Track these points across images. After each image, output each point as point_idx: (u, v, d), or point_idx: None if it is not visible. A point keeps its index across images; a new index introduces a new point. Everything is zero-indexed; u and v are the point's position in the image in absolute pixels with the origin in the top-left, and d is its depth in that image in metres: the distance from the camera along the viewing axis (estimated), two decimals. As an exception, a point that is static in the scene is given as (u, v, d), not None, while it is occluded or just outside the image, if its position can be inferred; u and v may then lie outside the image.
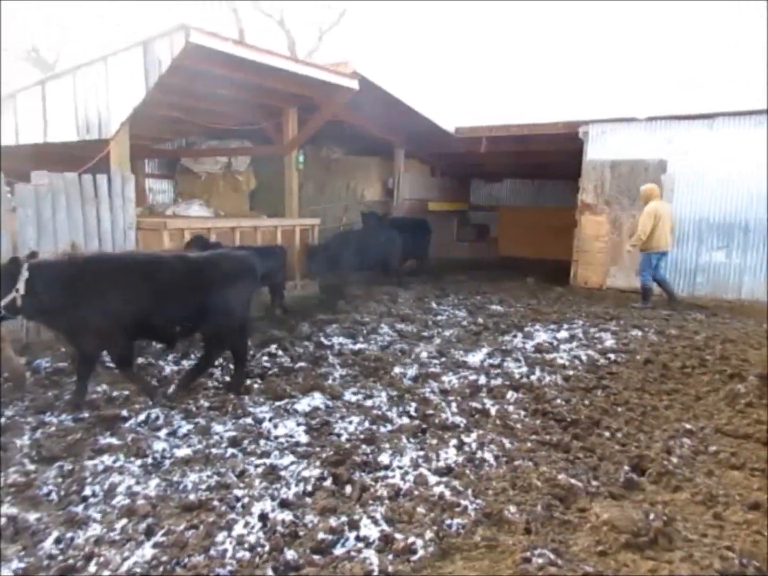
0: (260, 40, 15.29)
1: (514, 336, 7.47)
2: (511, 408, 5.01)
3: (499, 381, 5.69)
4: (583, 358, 6.49)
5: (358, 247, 10.27)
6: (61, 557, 2.96)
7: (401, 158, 13.82)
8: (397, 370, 5.97)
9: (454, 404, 5.07)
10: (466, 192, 17.35)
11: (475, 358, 6.47)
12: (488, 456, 4.09)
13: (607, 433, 4.49)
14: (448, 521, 3.25)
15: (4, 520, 3.22)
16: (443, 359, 6.40)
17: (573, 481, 3.66)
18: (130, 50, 7.66)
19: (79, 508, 3.39)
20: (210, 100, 10.34)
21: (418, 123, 12.26)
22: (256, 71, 8.56)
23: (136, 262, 5.18)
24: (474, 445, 4.26)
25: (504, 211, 16.56)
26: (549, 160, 13.41)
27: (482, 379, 5.71)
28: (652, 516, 3.17)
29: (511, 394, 5.33)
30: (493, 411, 4.93)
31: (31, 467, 3.85)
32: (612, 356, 6.56)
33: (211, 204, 12.46)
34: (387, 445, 4.21)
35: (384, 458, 4.00)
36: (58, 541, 3.09)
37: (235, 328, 5.42)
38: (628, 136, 11.06)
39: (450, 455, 4.09)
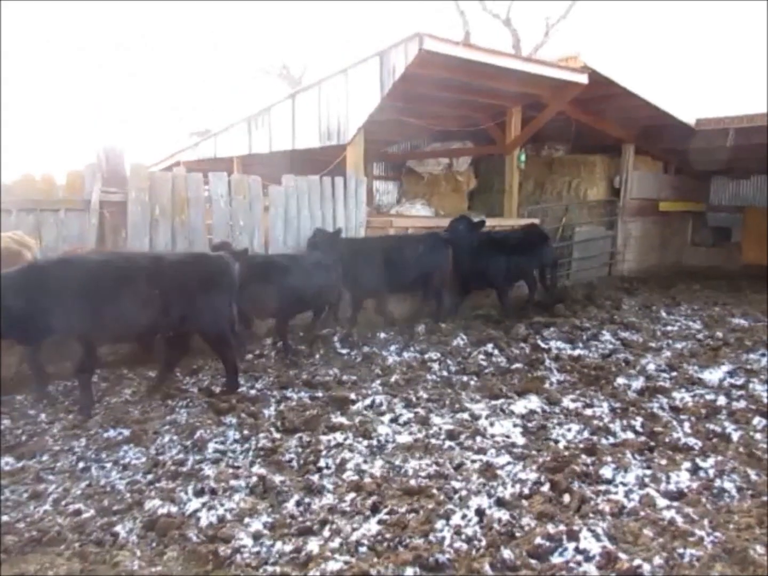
0: (485, 41, 15.40)
1: (762, 355, 6.53)
2: (758, 436, 4.39)
3: (742, 404, 5.04)
4: None
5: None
6: (300, 519, 3.32)
7: (630, 154, 12.87)
8: (620, 380, 5.61)
9: (687, 424, 4.61)
10: (704, 191, 15.56)
11: (712, 375, 5.80)
12: (729, 486, 3.66)
13: None
14: (680, 550, 2.98)
15: (255, 478, 3.72)
16: (674, 374, 5.85)
17: (843, 530, 3.11)
18: (368, 61, 8.26)
19: (315, 477, 3.77)
20: (435, 102, 10.70)
21: (652, 116, 11.33)
22: (483, 72, 8.65)
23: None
24: (711, 472, 3.83)
25: (751, 212, 14.49)
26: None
27: (721, 400, 5.11)
28: None
29: (758, 421, 4.67)
30: (735, 436, 4.38)
31: (276, 435, 4.39)
32: None
33: (433, 204, 12.91)
34: (609, 459, 3.98)
35: (606, 472, 3.80)
36: (298, 504, 3.47)
37: (210, 331, 5.21)
38: None
39: (682, 479, 3.73)
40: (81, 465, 3.86)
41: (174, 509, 3.33)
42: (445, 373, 5.83)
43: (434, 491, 3.52)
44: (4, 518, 3.24)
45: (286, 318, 6.62)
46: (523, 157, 11.04)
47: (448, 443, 4.24)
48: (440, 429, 4.47)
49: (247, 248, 6.45)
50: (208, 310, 5.11)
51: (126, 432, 4.34)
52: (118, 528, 3.15)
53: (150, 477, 3.73)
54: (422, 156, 13.46)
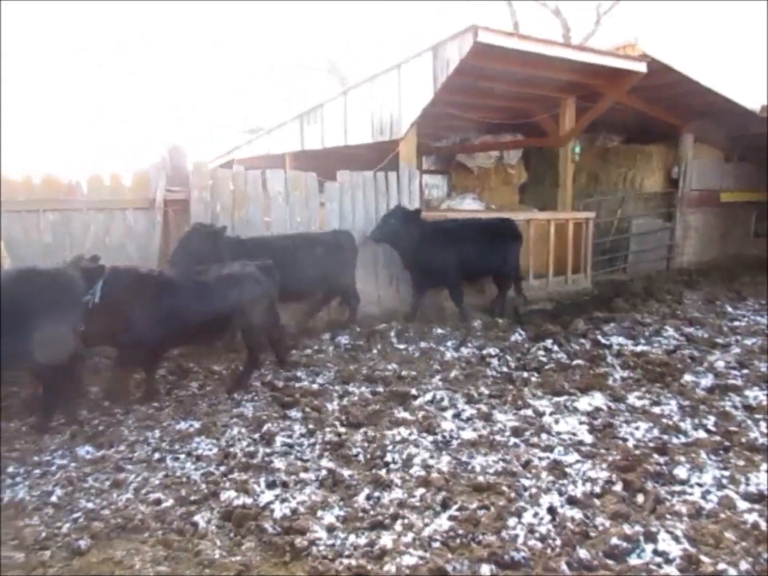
0: (534, 31, 15.10)
1: (839, 351, 6.24)
2: (840, 436, 4.21)
3: (821, 403, 4.83)
4: None
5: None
6: (372, 512, 3.36)
7: (689, 144, 12.44)
8: (687, 377, 5.45)
9: (763, 424, 4.45)
10: (768, 180, 14.90)
11: (786, 373, 5.58)
12: (815, 489, 3.52)
13: None
14: (766, 555, 2.88)
15: (324, 471, 3.78)
16: (745, 371, 5.65)
17: None
18: (421, 56, 8.23)
19: (383, 472, 3.80)
20: (486, 95, 10.57)
21: (713, 103, 10.91)
22: (537, 63, 8.50)
23: None
24: (793, 474, 3.69)
25: (819, 202, 13.83)
26: None
27: (800, 399, 4.91)
28: None
29: (841, 422, 4.48)
30: (815, 437, 4.21)
31: (342, 429, 4.44)
32: None
33: (483, 197, 12.78)
34: (683, 459, 3.89)
35: (680, 472, 3.70)
36: (368, 497, 3.51)
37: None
38: None
39: (762, 481, 3.61)
40: (157, 456, 3.99)
41: (249, 501, 3.42)
42: (505, 369, 5.79)
43: (504, 488, 3.51)
44: (90, 505, 3.39)
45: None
46: (577, 149, 10.81)
47: (513, 440, 4.22)
48: (504, 425, 4.44)
49: (102, 265, 4.70)
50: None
51: (196, 424, 4.47)
52: (197, 518, 3.25)
53: (223, 468, 3.83)
54: (472, 149, 13.32)
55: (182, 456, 4.00)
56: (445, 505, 3.39)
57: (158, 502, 3.41)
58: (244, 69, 23.49)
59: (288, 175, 7.48)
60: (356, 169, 8.13)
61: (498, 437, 4.26)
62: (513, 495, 3.44)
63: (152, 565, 2.86)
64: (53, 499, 3.45)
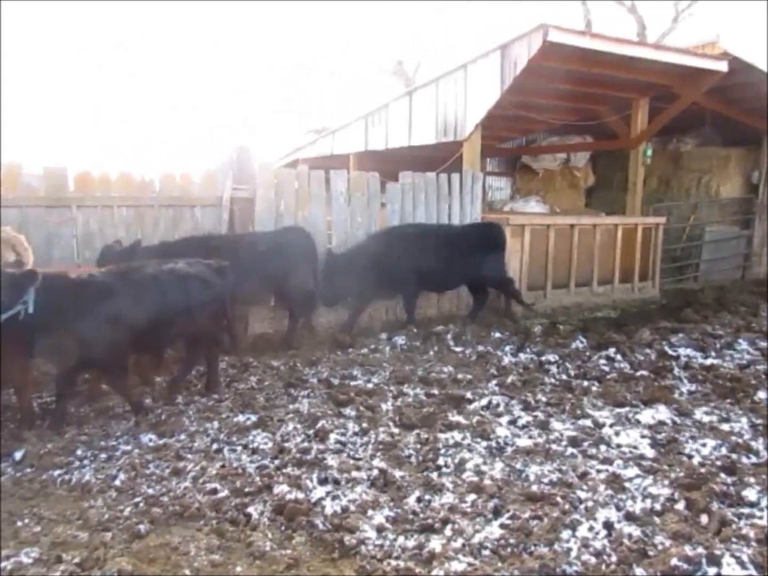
0: (608, 29, 14.66)
1: None
2: None
3: None
4: None
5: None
6: (421, 515, 3.34)
7: (772, 147, 11.80)
8: (761, 394, 5.15)
9: None
10: None
11: None
12: None
13: None
14: None
15: (376, 471, 3.79)
16: (827, 391, 5.30)
17: None
18: (488, 56, 8.15)
19: (435, 475, 3.78)
20: (554, 95, 10.34)
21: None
22: (608, 63, 8.26)
23: None
24: None
25: None
26: None
27: None
28: None
29: None
30: None
31: (395, 430, 4.44)
32: None
33: (547, 200, 12.53)
34: (752, 480, 3.67)
35: (749, 494, 3.50)
36: (418, 500, 3.49)
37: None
38: None
39: (842, 509, 3.37)
40: (215, 446, 4.11)
41: (301, 496, 3.46)
42: (564, 377, 5.64)
43: (558, 499, 3.41)
44: (150, 491, 3.52)
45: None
46: (649, 152, 10.43)
47: (570, 450, 4.10)
48: (561, 435, 4.33)
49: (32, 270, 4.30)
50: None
51: (254, 417, 4.56)
52: (250, 509, 3.32)
53: (277, 462, 3.90)
54: (538, 151, 13.09)
55: (239, 448, 4.10)
56: (496, 513, 3.34)
57: (214, 491, 3.50)
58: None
59: (351, 176, 7.56)
60: (419, 170, 8.12)
61: (554, 446, 4.15)
62: (568, 507, 3.35)
63: (206, 553, 2.94)
64: (117, 483, 3.60)
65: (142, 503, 3.38)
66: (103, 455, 3.97)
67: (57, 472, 3.72)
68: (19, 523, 3.19)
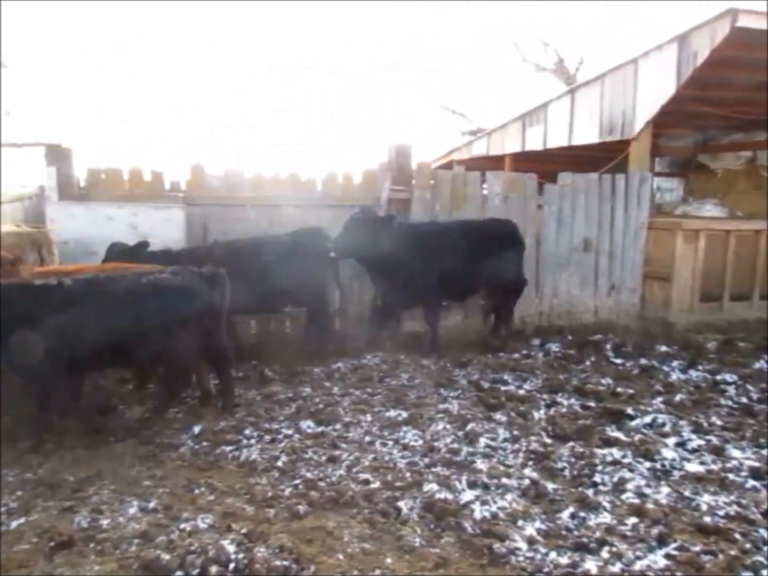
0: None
1: None
2: None
3: None
4: None
5: None
6: (576, 532, 3.17)
7: None
8: None
9: None
10: None
11: None
12: None
13: None
14: None
15: (527, 481, 3.67)
16: None
17: None
18: (663, 48, 7.57)
19: (590, 492, 3.57)
20: (738, 87, 9.31)
21: None
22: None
23: None
24: None
25: None
26: None
27: None
28: None
29: None
30: None
31: (547, 440, 4.28)
32: None
33: (726, 203, 11.34)
34: None
35: None
36: (572, 516, 3.32)
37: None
38: None
39: None
40: (368, 438, 4.23)
41: (450, 496, 3.45)
42: (744, 400, 5.07)
43: (737, 536, 3.07)
44: (308, 474, 3.71)
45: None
46: None
47: (751, 482, 3.67)
48: (741, 464, 3.89)
49: None
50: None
51: (404, 414, 4.64)
52: (400, 504, 3.37)
53: (426, 460, 3.92)
54: (718, 149, 11.89)
55: (390, 442, 4.19)
56: (661, 541, 3.08)
57: (367, 482, 3.60)
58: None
59: (507, 176, 7.41)
60: (578, 171, 7.75)
61: (732, 476, 3.74)
62: (748, 546, 3.00)
63: (358, 541, 3.03)
64: (279, 464, 3.84)
65: (302, 485, 3.56)
66: (268, 437, 4.25)
67: (228, 448, 4.06)
68: (196, 491, 3.51)
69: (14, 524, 3.16)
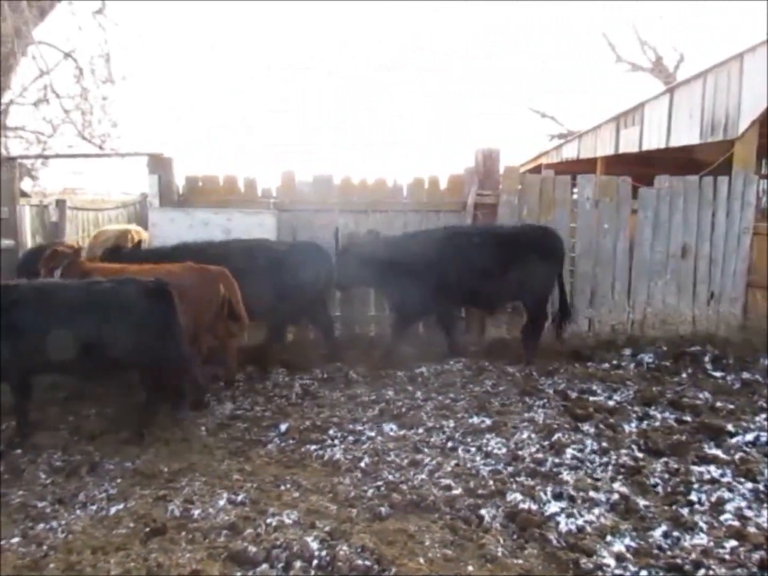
0: None
1: None
2: None
3: None
4: None
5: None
6: (668, 552, 3.03)
7: None
8: None
9: None
10: None
11: None
12: None
13: None
14: None
15: (616, 496, 3.54)
16: None
17: None
18: (772, 40, 7.08)
19: (685, 511, 3.40)
20: None
21: None
22: None
23: None
24: None
25: None
26: None
27: None
28: None
29: None
30: None
31: (639, 455, 4.10)
32: None
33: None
34: None
35: None
36: (665, 535, 3.18)
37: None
38: None
39: None
40: (450, 444, 4.23)
41: (534, 507, 3.39)
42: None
43: None
44: (390, 477, 3.75)
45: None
46: None
47: None
48: None
49: None
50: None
51: (488, 421, 4.59)
52: (483, 511, 3.35)
53: (510, 469, 3.87)
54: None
55: (473, 449, 4.16)
56: (763, 567, 2.88)
57: (449, 488, 3.60)
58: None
59: (598, 180, 7.17)
60: (675, 173, 7.38)
61: None
62: None
63: (440, 546, 3.03)
64: (362, 465, 3.91)
65: (384, 487, 3.61)
66: (351, 438, 4.34)
67: (313, 447, 4.18)
68: (282, 488, 3.64)
69: (113, 510, 3.39)
